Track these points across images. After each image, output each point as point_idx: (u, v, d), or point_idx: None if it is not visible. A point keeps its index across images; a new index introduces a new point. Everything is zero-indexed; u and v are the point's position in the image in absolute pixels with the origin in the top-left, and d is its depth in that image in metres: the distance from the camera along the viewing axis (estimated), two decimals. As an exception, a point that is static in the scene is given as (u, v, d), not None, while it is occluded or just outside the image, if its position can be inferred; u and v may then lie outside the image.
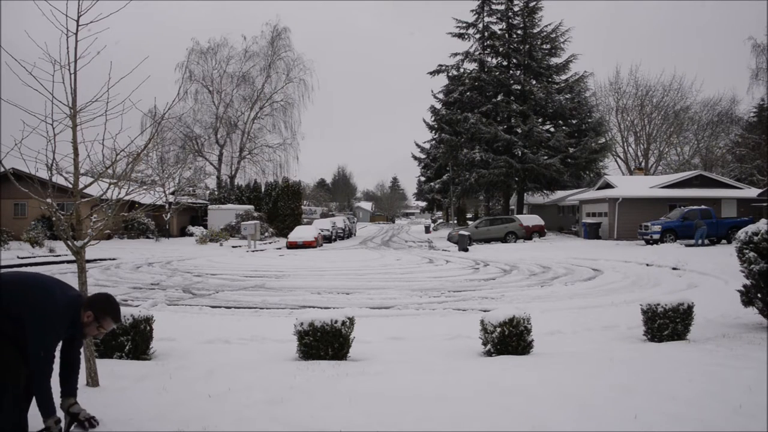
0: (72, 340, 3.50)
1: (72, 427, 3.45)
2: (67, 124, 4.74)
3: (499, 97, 37.78)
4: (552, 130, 37.13)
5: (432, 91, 43.01)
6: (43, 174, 4.81)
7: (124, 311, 5.43)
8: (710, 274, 14.08)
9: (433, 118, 42.99)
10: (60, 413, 3.36)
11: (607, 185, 33.91)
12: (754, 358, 5.46)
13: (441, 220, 61.14)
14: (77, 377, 3.56)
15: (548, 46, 38.54)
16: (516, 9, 38.54)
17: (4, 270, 3.63)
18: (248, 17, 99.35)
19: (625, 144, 50.95)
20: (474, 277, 15.43)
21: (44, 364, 3.24)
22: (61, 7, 4.63)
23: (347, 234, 42.86)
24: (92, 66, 4.87)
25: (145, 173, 33.68)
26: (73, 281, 4.66)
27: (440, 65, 39.80)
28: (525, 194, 40.69)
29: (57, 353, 3.40)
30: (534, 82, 37.70)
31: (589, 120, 38.10)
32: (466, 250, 25.53)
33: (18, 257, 21.23)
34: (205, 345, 7.16)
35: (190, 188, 39.00)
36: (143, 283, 14.53)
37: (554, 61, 38.50)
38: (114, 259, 21.84)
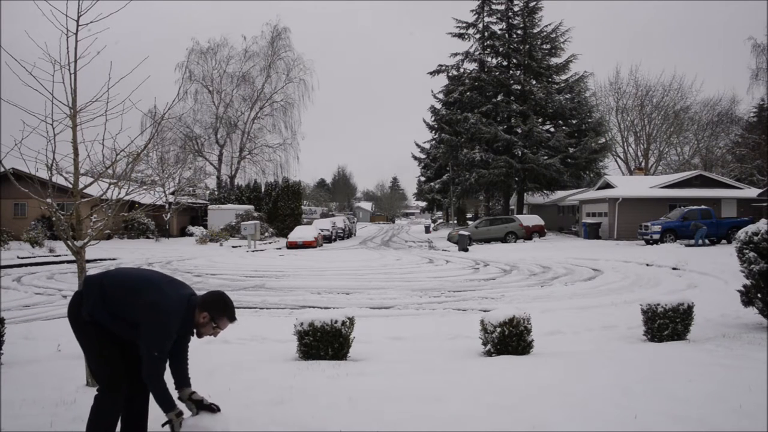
0: (183, 336, 3.43)
1: (199, 412, 3.44)
2: (67, 124, 4.74)
3: (499, 97, 37.77)
4: (552, 130, 37.14)
5: (432, 91, 43.07)
6: (43, 174, 4.81)
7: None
8: (710, 274, 14.08)
9: (433, 118, 43.00)
10: (180, 404, 3.34)
11: (607, 185, 33.91)
12: (754, 358, 5.46)
13: (441, 220, 61.11)
14: (188, 368, 3.52)
15: (548, 46, 38.53)
16: (516, 9, 38.55)
17: (104, 270, 3.60)
18: (248, 17, 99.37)
19: (625, 144, 50.96)
20: (474, 277, 15.43)
21: (158, 363, 3.20)
22: (61, 7, 4.63)
23: (347, 234, 42.85)
24: (92, 66, 4.86)
25: (145, 173, 33.63)
26: (73, 281, 4.66)
27: (440, 65, 39.81)
28: (525, 194, 40.68)
29: None
30: (534, 82, 37.69)
31: (589, 120, 38.09)
32: (466, 250, 25.53)
33: (18, 257, 21.23)
34: (205, 345, 7.10)
35: (190, 188, 38.97)
36: (143, 283, 14.50)
37: (554, 61, 38.50)
38: (114, 259, 21.83)
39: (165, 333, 3.21)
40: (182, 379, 3.45)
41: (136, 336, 3.23)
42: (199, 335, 3.42)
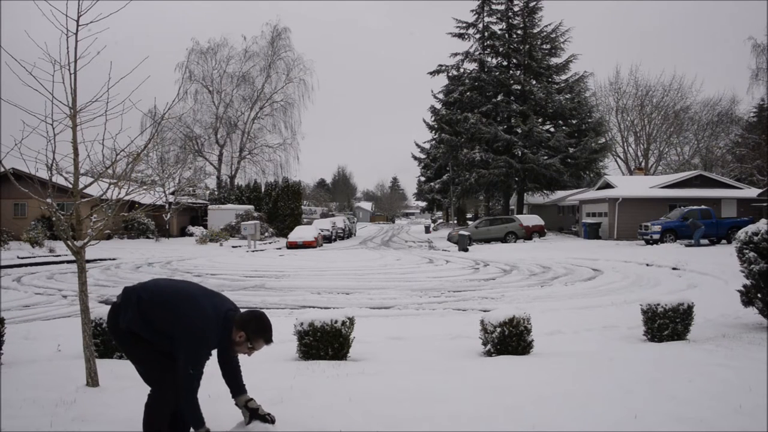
0: (225, 349, 3.43)
1: (252, 421, 3.47)
2: (67, 124, 4.73)
3: (499, 97, 37.77)
4: (552, 130, 37.12)
5: (432, 91, 43.04)
6: (43, 174, 4.80)
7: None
8: (710, 274, 14.08)
9: (433, 118, 42.96)
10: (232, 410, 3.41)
11: (607, 185, 33.91)
12: (754, 358, 5.46)
13: (441, 220, 61.08)
14: (241, 375, 3.55)
15: (548, 46, 38.53)
16: (516, 9, 38.55)
17: (144, 281, 3.58)
18: (248, 17, 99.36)
19: (625, 144, 50.97)
20: (474, 277, 15.43)
21: (192, 380, 3.21)
22: (61, 7, 4.63)
23: (347, 234, 42.84)
24: (92, 66, 4.86)
25: (145, 173, 33.66)
26: (73, 281, 4.66)
27: (440, 65, 39.79)
28: (525, 194, 40.67)
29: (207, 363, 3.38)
30: (534, 82, 37.68)
31: (589, 120, 38.08)
32: (466, 250, 25.53)
33: (18, 257, 21.22)
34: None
35: (190, 188, 38.97)
36: (143, 283, 14.48)
37: (554, 61, 38.50)
38: (114, 259, 21.84)
39: (200, 350, 3.23)
40: (237, 388, 3.52)
41: (173, 349, 3.25)
42: (233, 352, 3.43)
